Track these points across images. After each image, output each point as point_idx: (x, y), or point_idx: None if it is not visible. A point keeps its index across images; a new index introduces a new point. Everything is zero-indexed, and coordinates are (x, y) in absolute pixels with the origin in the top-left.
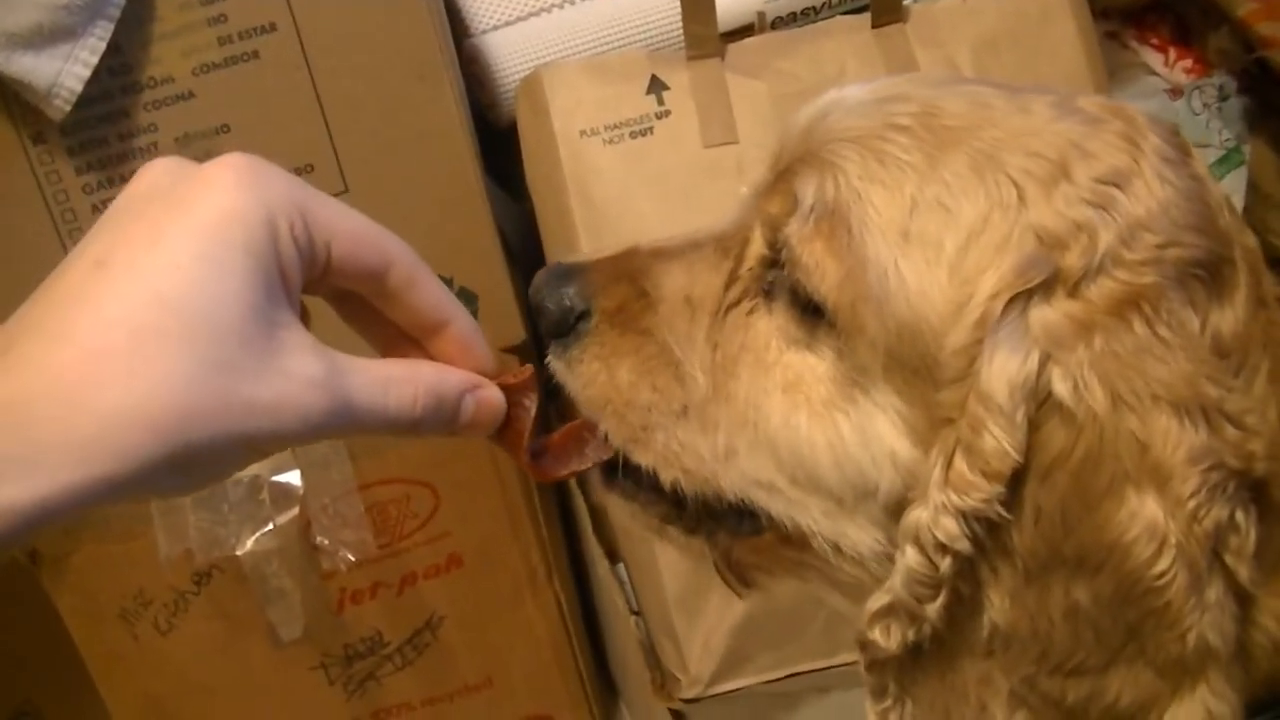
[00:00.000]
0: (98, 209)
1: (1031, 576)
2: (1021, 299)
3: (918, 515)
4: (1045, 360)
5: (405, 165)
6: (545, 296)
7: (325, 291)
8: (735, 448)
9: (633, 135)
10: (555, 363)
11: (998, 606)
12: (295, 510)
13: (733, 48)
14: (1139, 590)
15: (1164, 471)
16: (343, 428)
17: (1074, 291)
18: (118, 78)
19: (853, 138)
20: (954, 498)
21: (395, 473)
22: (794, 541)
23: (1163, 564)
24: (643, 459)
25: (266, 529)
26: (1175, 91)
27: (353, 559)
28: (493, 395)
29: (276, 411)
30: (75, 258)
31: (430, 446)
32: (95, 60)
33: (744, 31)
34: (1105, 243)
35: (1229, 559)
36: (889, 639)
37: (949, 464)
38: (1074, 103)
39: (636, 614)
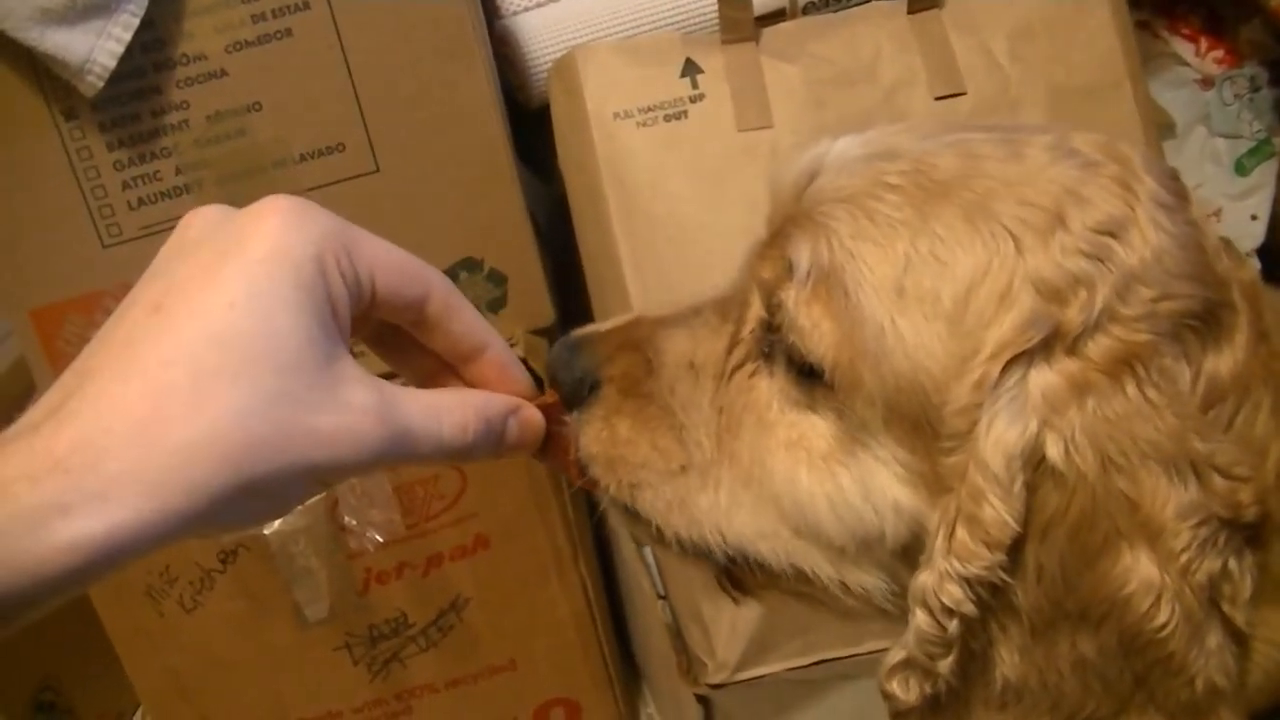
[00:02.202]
0: (128, 186)
1: (1038, 632)
2: (1022, 360)
3: (924, 579)
4: (1041, 426)
5: (436, 145)
6: (559, 369)
7: (367, 331)
8: (739, 503)
9: (666, 118)
10: (575, 428)
11: (1008, 662)
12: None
13: (767, 31)
14: (1142, 642)
15: (1155, 528)
16: (400, 456)
17: (1072, 349)
18: (150, 54)
19: (843, 198)
20: (957, 565)
21: None
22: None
23: (1162, 616)
24: (640, 509)
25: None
26: (1206, 82)
27: (380, 539)
28: (533, 415)
29: (336, 442)
30: (130, 305)
31: None
32: (129, 36)
33: (778, 15)
34: (1102, 297)
35: (1225, 606)
36: (907, 692)
37: (951, 533)
38: (1070, 144)
39: (663, 598)
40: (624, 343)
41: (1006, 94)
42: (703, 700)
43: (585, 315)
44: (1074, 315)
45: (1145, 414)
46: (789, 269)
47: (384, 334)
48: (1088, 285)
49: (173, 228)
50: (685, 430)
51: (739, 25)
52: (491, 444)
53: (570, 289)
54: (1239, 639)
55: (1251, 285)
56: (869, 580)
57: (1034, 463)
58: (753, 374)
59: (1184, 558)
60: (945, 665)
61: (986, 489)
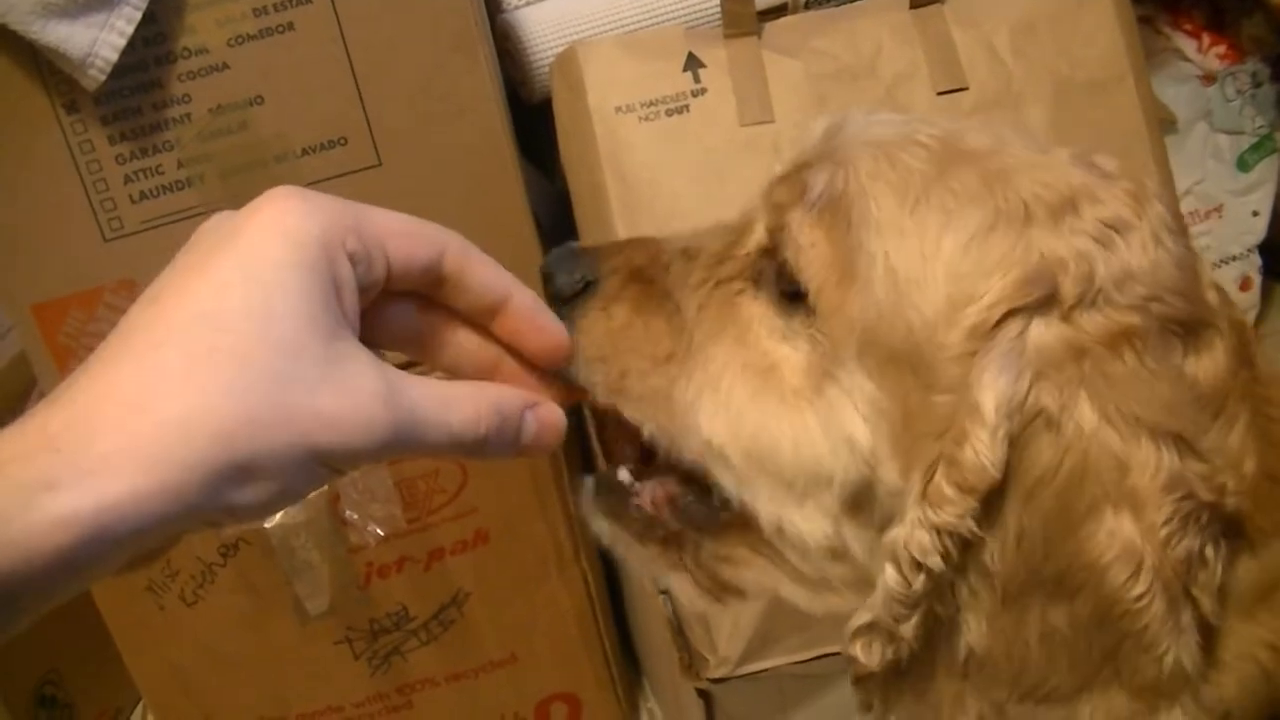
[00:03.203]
0: (130, 179)
1: (1009, 599)
2: (1021, 315)
3: (896, 533)
4: (1037, 379)
5: (438, 139)
6: (555, 267)
7: (398, 316)
8: (702, 405)
9: (669, 113)
10: (577, 321)
11: (974, 629)
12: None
13: (770, 26)
14: (1117, 612)
15: (1141, 496)
16: (408, 443)
17: (1067, 316)
18: (152, 48)
19: (872, 142)
20: (929, 512)
21: None
22: (750, 527)
23: (1140, 586)
24: (626, 410)
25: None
26: (1208, 78)
27: (381, 534)
28: (552, 412)
29: (338, 423)
30: (135, 303)
31: None
32: (130, 30)
33: (780, 10)
34: (1101, 277)
35: (1196, 590)
36: (870, 656)
37: (929, 478)
38: (1091, 158)
39: (664, 592)
40: (628, 243)
41: (1009, 89)
42: (704, 695)
43: None
44: (1072, 285)
45: (1143, 379)
46: (802, 192)
47: (421, 328)
48: (1089, 262)
49: (175, 221)
50: (676, 314)
51: (741, 19)
52: (508, 440)
53: None
54: (1205, 630)
55: (1240, 323)
56: (809, 528)
57: (1029, 415)
58: (739, 292)
59: (1165, 530)
60: (909, 628)
61: (971, 431)
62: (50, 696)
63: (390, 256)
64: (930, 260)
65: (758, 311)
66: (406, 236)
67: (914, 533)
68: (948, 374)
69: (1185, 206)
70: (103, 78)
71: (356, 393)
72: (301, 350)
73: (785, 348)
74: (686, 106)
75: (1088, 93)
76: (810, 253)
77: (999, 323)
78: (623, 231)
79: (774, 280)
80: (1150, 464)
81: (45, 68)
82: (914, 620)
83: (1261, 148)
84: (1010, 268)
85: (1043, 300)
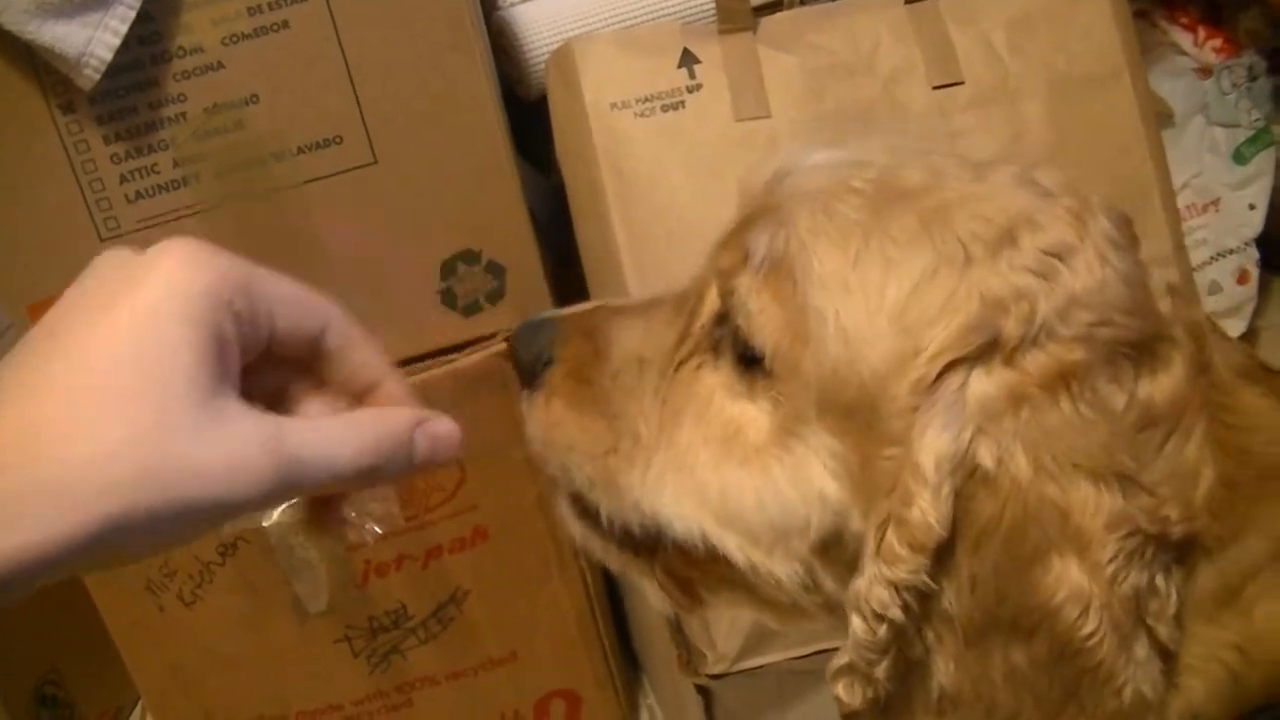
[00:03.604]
0: (125, 179)
1: (971, 641)
2: (963, 366)
3: (858, 584)
4: (976, 434)
5: (435, 137)
6: (519, 347)
7: (272, 374)
8: (665, 484)
9: (664, 108)
10: (524, 405)
11: (943, 670)
12: None
13: (765, 21)
14: (1071, 650)
15: (1084, 538)
16: (294, 485)
17: (1010, 359)
18: (147, 47)
19: (807, 195)
20: (884, 569)
21: None
22: (722, 563)
23: (1090, 624)
24: (572, 488)
25: (293, 500)
26: (1204, 71)
27: (380, 531)
28: (443, 426)
29: (218, 475)
30: (37, 327)
31: (456, 418)
32: (125, 29)
33: (775, 5)
34: (1043, 313)
35: (1150, 620)
36: (851, 696)
37: (881, 536)
38: (1032, 175)
39: None
40: (580, 328)
41: (1005, 84)
42: (702, 691)
43: None
44: (1014, 327)
45: (1078, 426)
46: (746, 257)
47: (295, 394)
48: (1030, 300)
49: (171, 221)
50: (619, 419)
51: (736, 15)
52: (401, 463)
53: (568, 280)
54: (1165, 655)
55: (1197, 325)
56: (781, 569)
57: (968, 470)
58: (699, 366)
59: (1110, 568)
60: (882, 670)
61: (916, 491)
62: (51, 696)
63: (276, 322)
64: (876, 314)
65: (720, 380)
66: (295, 304)
67: (872, 588)
68: (895, 428)
69: (1182, 200)
70: (98, 77)
71: (236, 443)
72: (184, 404)
73: (750, 409)
74: (682, 102)
75: (1084, 87)
76: (761, 318)
77: (941, 375)
78: (619, 228)
79: (732, 346)
80: (1090, 506)
81: (41, 67)
82: (885, 663)
83: (1258, 141)
84: (952, 316)
85: (984, 348)
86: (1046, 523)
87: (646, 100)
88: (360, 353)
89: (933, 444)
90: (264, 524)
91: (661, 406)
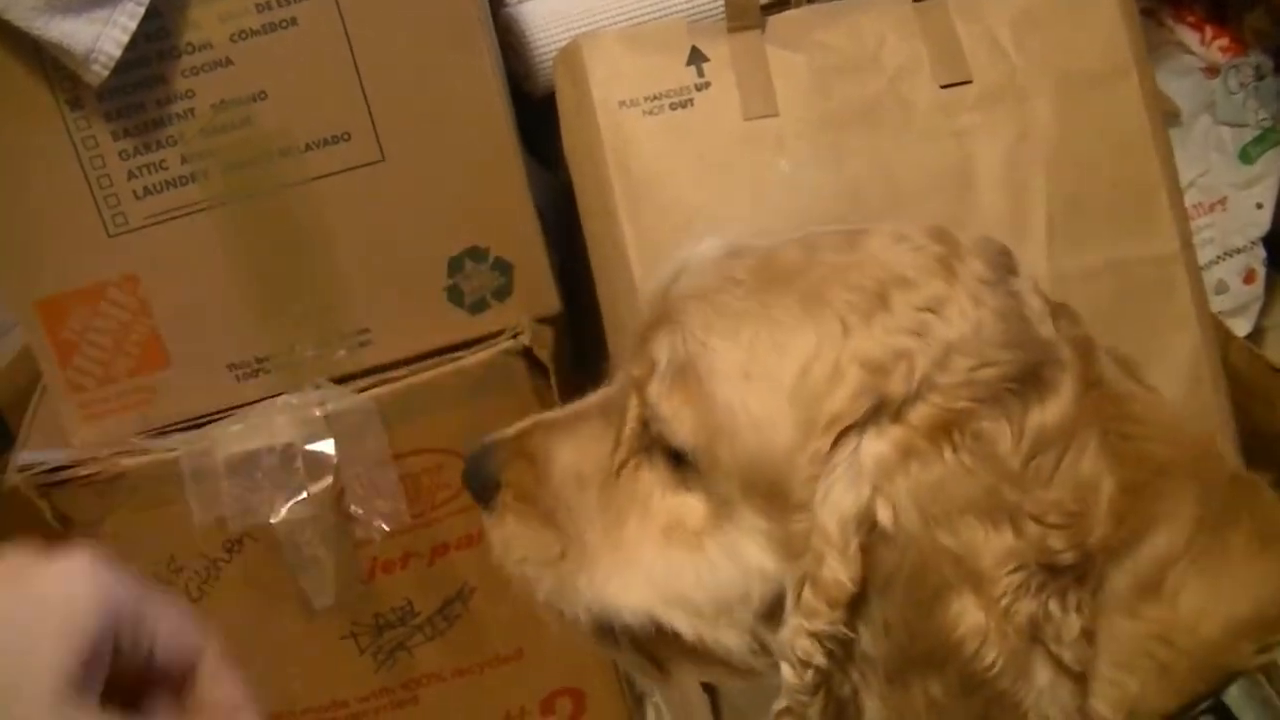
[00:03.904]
0: (133, 175)
1: (893, 679)
2: (854, 431)
3: (783, 635)
4: (873, 493)
5: (442, 134)
6: (470, 477)
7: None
8: (612, 580)
9: (672, 107)
10: (486, 526)
11: (871, 707)
12: (329, 479)
13: (773, 19)
14: (976, 681)
15: (977, 576)
16: None
17: (897, 416)
18: (155, 43)
19: (696, 294)
20: (805, 622)
21: (428, 443)
22: (672, 636)
23: (989, 657)
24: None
25: (300, 497)
26: (1211, 70)
27: (387, 529)
28: None
29: None
30: None
31: (463, 416)
32: (134, 25)
33: (783, 3)
34: (921, 369)
35: (1051, 645)
36: None
37: (799, 593)
38: (903, 231)
39: None
40: (520, 451)
41: (1013, 82)
42: (709, 689)
43: (589, 303)
44: (897, 386)
45: (960, 475)
46: (653, 366)
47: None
48: (908, 358)
49: (179, 217)
50: (565, 529)
51: (744, 13)
52: None
53: (572, 277)
54: (1073, 676)
55: (1083, 340)
56: (727, 638)
57: (868, 526)
58: (636, 467)
59: (1003, 602)
60: (815, 712)
61: (826, 552)
62: None
63: (155, 651)
64: (775, 398)
65: (657, 477)
66: (176, 637)
67: (796, 639)
68: (803, 496)
69: (1188, 199)
70: (106, 73)
71: None
72: (44, 711)
73: (688, 499)
74: (690, 100)
75: (1091, 86)
76: (675, 421)
77: (836, 442)
78: (627, 225)
79: (660, 447)
80: (980, 547)
81: (49, 63)
82: (817, 704)
83: (1265, 140)
84: (838, 386)
85: (872, 410)
86: (942, 567)
87: (655, 98)
88: (224, 689)
89: (835, 507)
90: (271, 520)
91: (605, 512)
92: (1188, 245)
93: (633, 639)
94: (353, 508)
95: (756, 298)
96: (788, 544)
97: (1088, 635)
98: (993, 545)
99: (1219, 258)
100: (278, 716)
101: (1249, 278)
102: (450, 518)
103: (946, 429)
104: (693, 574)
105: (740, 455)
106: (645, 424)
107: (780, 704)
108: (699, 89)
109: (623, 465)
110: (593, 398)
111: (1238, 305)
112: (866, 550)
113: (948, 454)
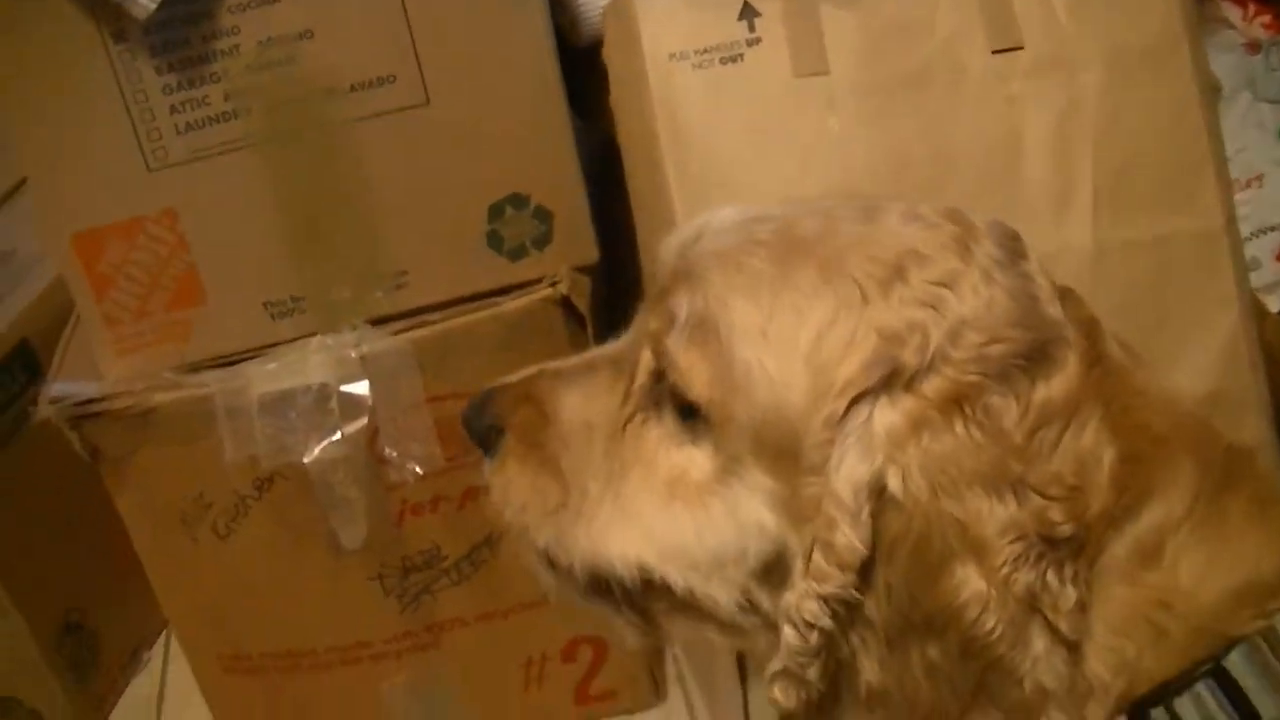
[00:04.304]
0: (176, 110)
1: (892, 642)
2: (868, 398)
3: (789, 598)
4: (884, 461)
5: (488, 80)
6: (471, 420)
7: None
8: (611, 533)
9: (723, 61)
10: (486, 473)
11: (869, 669)
12: (363, 420)
13: None
14: (976, 647)
15: (980, 545)
16: None
17: (909, 386)
18: None
19: (718, 254)
20: (815, 585)
21: (463, 387)
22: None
23: (989, 623)
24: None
25: (334, 438)
26: (1252, 46)
27: (420, 472)
28: None
29: None
30: None
31: (498, 361)
32: None
33: None
34: (935, 341)
35: (1049, 614)
36: (787, 697)
37: (809, 557)
38: (918, 210)
39: None
40: (524, 395)
41: (1064, 51)
42: None
43: (629, 255)
44: (910, 356)
45: (969, 448)
46: (671, 319)
47: None
48: (922, 330)
49: (220, 154)
50: (568, 478)
51: None
52: None
53: (607, 230)
54: (1069, 645)
55: (1089, 321)
56: (719, 593)
57: (878, 493)
58: (644, 422)
59: (1004, 571)
60: (814, 673)
61: (839, 518)
62: (76, 624)
63: None
64: (792, 360)
65: (663, 432)
66: None
67: (804, 602)
68: (814, 459)
69: None
70: (153, 7)
71: None
72: None
73: (695, 453)
74: (741, 55)
75: (1141, 58)
76: (691, 374)
77: (849, 408)
78: (673, 178)
79: (671, 399)
80: (984, 517)
81: None
82: (816, 666)
83: None
84: (854, 354)
85: (886, 379)
86: (947, 535)
87: (705, 52)
88: None
89: (849, 474)
90: (304, 460)
91: (610, 464)
92: (1232, 222)
93: (625, 594)
94: (386, 450)
95: (778, 261)
96: (793, 504)
97: (1083, 606)
98: (996, 515)
99: (1253, 234)
100: (300, 655)
101: None
102: (481, 463)
103: (958, 401)
104: (692, 528)
105: (754, 412)
106: (657, 378)
107: (777, 665)
108: (750, 44)
109: (629, 419)
110: (603, 350)
111: (1269, 283)
112: (875, 516)
113: (958, 426)
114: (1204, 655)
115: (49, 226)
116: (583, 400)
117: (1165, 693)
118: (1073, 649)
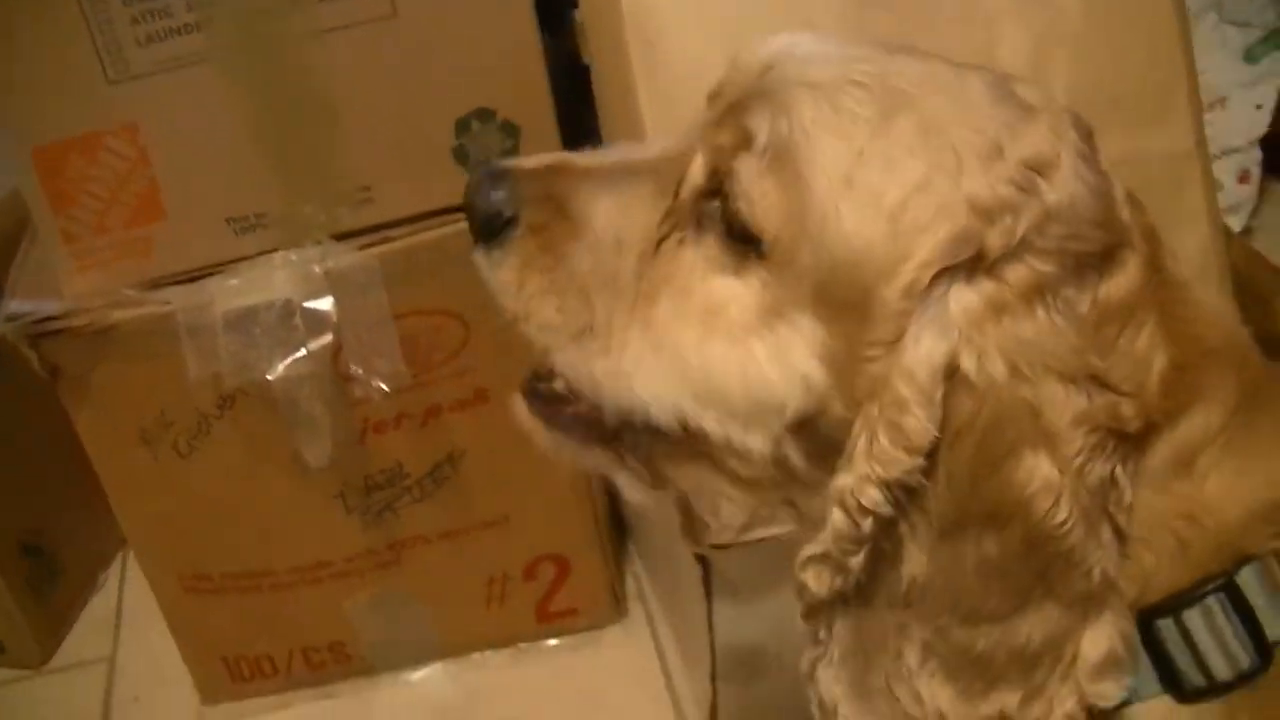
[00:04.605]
0: (137, 20)
1: (946, 533)
2: (948, 275)
3: (843, 481)
4: (961, 342)
5: None
6: (476, 196)
7: None
8: (641, 367)
9: None
10: (479, 259)
11: (915, 561)
12: (328, 337)
13: None
14: (1044, 537)
15: (1053, 434)
16: None
17: (991, 270)
18: None
19: (809, 83)
20: (879, 469)
21: (427, 304)
22: (693, 440)
23: (1062, 513)
24: (556, 368)
25: (299, 354)
26: None
27: (386, 389)
28: None
29: None
30: None
31: (463, 278)
32: None
33: None
34: (1023, 227)
35: (1111, 508)
36: (820, 584)
37: (874, 438)
38: (1010, 85)
39: None
40: (546, 191)
41: None
42: (702, 560)
43: None
44: (996, 240)
45: (1049, 333)
46: (746, 139)
47: None
48: (1013, 213)
49: (183, 66)
50: (593, 296)
51: None
52: None
53: (573, 147)
54: (1124, 539)
55: (1149, 229)
56: (755, 443)
57: (950, 374)
58: (680, 242)
59: (1078, 461)
60: (856, 562)
61: (911, 399)
62: (34, 546)
63: None
64: (875, 215)
65: (704, 254)
66: None
67: (864, 486)
68: (886, 328)
69: None
70: None
71: None
72: None
73: (736, 285)
74: None
75: None
76: (764, 203)
77: (930, 283)
78: (644, 94)
79: (720, 221)
80: (1059, 405)
81: None
82: (862, 555)
83: (1270, 41)
84: (943, 224)
85: (970, 259)
86: (1020, 421)
87: None
88: None
89: (927, 354)
90: (269, 377)
91: (638, 285)
92: (1202, 143)
93: (638, 443)
94: (352, 367)
95: (876, 107)
96: (845, 363)
97: (1132, 505)
98: (1072, 404)
99: (1216, 156)
100: (261, 575)
101: (1244, 178)
102: (445, 381)
103: (1040, 290)
104: (737, 370)
105: (823, 259)
106: (707, 195)
107: (816, 549)
108: None
109: (665, 238)
110: (640, 151)
111: (1231, 205)
112: (945, 398)
113: (1040, 312)
114: (1217, 569)
115: (7, 141)
116: (616, 210)
117: (1175, 603)
118: (1125, 543)
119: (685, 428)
